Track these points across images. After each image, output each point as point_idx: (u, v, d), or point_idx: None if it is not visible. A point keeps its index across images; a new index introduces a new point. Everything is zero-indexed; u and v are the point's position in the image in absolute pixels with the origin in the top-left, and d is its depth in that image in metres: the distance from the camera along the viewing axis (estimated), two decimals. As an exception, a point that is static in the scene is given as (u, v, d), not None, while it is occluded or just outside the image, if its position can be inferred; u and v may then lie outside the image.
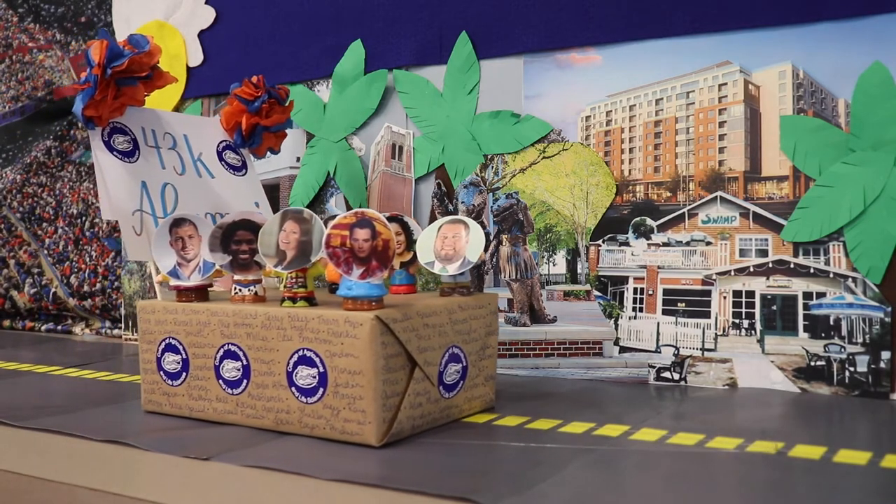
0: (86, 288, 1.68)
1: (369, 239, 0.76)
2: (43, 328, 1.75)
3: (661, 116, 1.08)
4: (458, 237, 0.86)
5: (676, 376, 1.06)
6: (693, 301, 1.06)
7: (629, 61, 1.09)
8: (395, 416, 0.78)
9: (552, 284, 1.14)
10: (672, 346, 1.06)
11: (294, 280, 0.83)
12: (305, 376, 0.80)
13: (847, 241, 0.97)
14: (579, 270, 1.13)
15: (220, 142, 1.13)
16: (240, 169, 1.14)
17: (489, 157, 1.19)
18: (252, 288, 0.88)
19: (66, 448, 0.79)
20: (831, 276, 0.98)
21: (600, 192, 1.12)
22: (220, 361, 0.86)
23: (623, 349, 1.10)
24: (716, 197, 1.05)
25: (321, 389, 0.79)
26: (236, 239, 0.87)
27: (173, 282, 0.92)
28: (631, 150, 1.10)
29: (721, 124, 1.05)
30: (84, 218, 1.70)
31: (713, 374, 1.04)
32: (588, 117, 1.13)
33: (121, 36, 1.58)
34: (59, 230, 1.73)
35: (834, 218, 0.97)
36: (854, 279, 0.97)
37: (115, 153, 0.98)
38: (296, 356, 0.80)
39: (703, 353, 1.05)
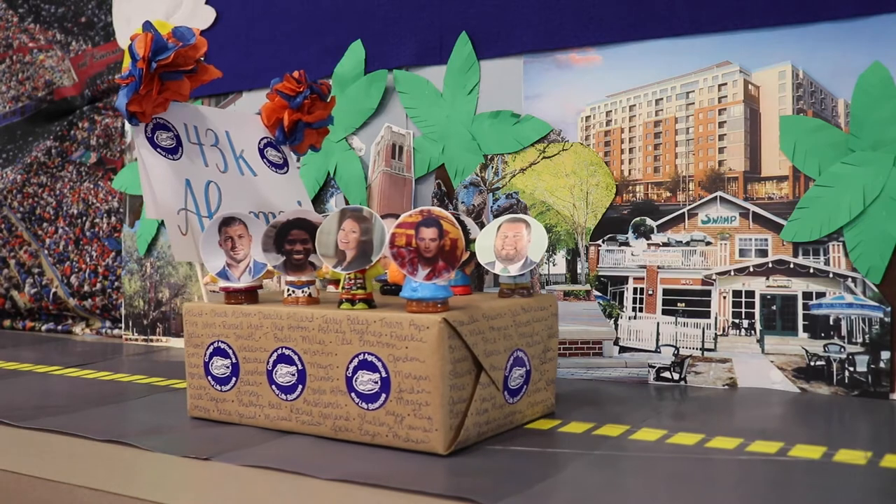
0: (86, 288, 1.68)
1: (436, 238, 0.73)
2: (43, 328, 1.75)
3: (661, 116, 1.08)
4: (520, 236, 0.83)
5: (676, 376, 1.06)
6: (693, 301, 1.06)
7: (629, 61, 1.09)
8: (462, 422, 0.74)
9: (552, 284, 1.14)
10: (672, 346, 1.06)
11: (352, 281, 0.80)
12: (366, 381, 0.76)
13: (847, 241, 0.97)
14: (579, 270, 1.13)
15: (262, 138, 1.09)
16: (281, 167, 1.10)
17: (489, 157, 1.19)
18: (306, 289, 0.84)
19: (66, 448, 0.79)
20: (831, 276, 0.98)
21: (600, 192, 1.12)
22: (274, 366, 0.83)
23: (623, 349, 1.10)
24: (716, 197, 1.05)
25: (383, 395, 0.75)
26: (290, 238, 0.84)
27: (222, 283, 0.88)
28: (631, 150, 1.10)
29: (721, 124, 1.05)
30: (84, 218, 1.70)
31: (713, 374, 1.04)
32: (588, 117, 1.13)
33: (121, 36, 1.58)
34: (60, 230, 1.73)
35: (833, 218, 0.97)
36: (854, 279, 0.97)
37: (158, 150, 0.94)
38: (356, 360, 0.77)
39: (702, 353, 1.05)
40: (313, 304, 0.84)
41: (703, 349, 1.05)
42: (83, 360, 1.32)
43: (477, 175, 1.20)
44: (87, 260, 1.69)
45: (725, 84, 1.04)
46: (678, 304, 1.07)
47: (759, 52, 1.02)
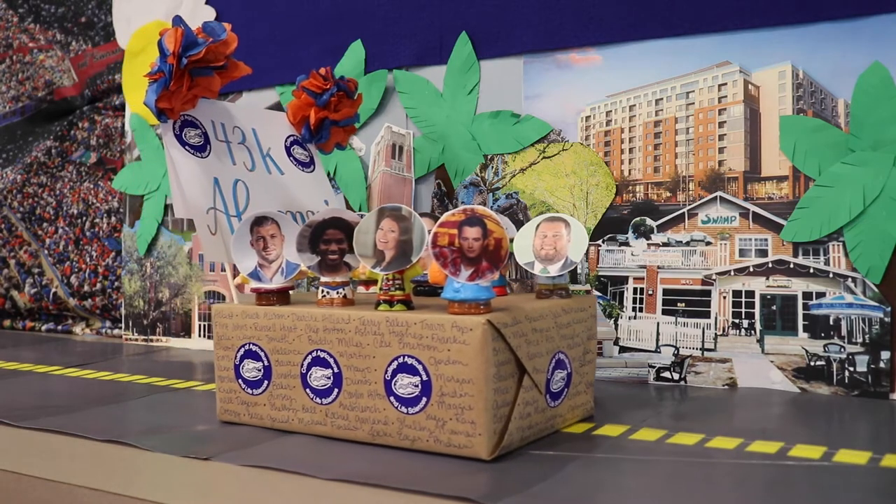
0: (86, 288, 1.68)
1: (480, 238, 0.71)
2: (43, 328, 1.75)
3: (661, 116, 1.08)
4: (559, 236, 0.82)
5: (676, 376, 1.06)
6: (693, 301, 1.06)
7: (629, 61, 1.09)
8: (506, 427, 0.73)
9: (552, 284, 1.14)
10: (672, 346, 1.06)
11: (390, 282, 0.78)
12: (406, 385, 0.74)
13: (847, 240, 0.97)
14: (579, 270, 1.13)
15: (288, 136, 1.07)
16: (308, 165, 1.07)
17: (489, 157, 1.19)
18: (341, 290, 0.82)
19: (67, 448, 0.79)
20: (831, 276, 0.98)
21: (600, 192, 1.12)
22: (308, 369, 0.81)
23: (623, 349, 1.10)
24: (715, 197, 1.05)
25: (424, 399, 0.73)
26: (325, 238, 0.81)
27: (253, 284, 0.86)
28: (631, 150, 1.10)
29: (721, 124, 1.05)
30: (84, 218, 1.70)
31: (713, 374, 1.04)
32: (588, 117, 1.13)
33: (121, 36, 1.58)
34: (60, 230, 1.73)
35: (833, 218, 0.97)
36: (854, 279, 0.97)
37: (187, 147, 0.92)
38: (395, 363, 0.75)
39: (702, 353, 1.05)
40: (349, 306, 0.82)
41: (703, 349, 1.05)
42: (83, 360, 1.32)
43: (477, 175, 1.20)
44: (87, 260, 1.69)
45: (725, 84, 1.04)
46: (678, 304, 1.07)
47: (759, 52, 1.02)
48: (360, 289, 1.01)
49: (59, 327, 1.74)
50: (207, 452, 0.75)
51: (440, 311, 0.75)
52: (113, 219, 1.67)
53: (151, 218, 1.52)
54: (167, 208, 1.50)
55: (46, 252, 1.74)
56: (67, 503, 0.67)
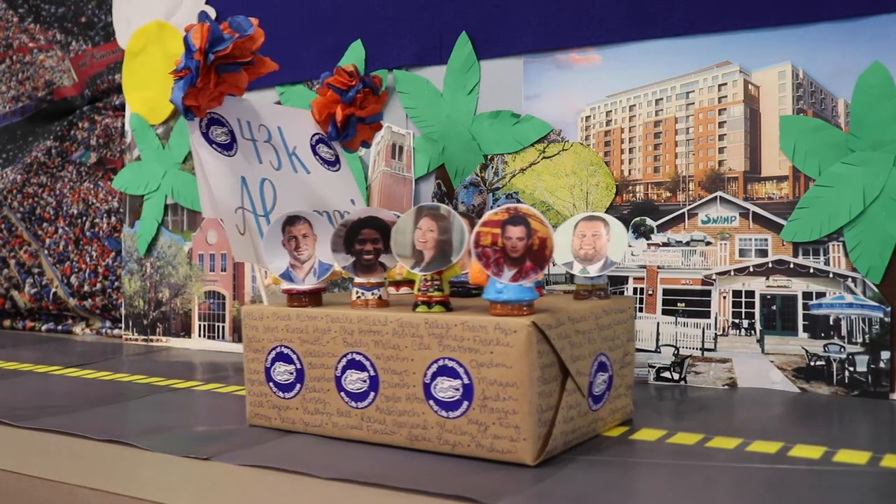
0: (86, 288, 1.68)
1: (524, 237, 0.69)
2: (43, 328, 1.75)
3: (661, 116, 1.08)
4: (598, 236, 0.81)
5: (676, 376, 1.06)
6: (693, 301, 1.06)
7: (629, 61, 1.09)
8: (550, 431, 0.71)
9: (552, 284, 1.14)
10: (672, 345, 1.06)
11: (429, 283, 0.76)
12: (446, 388, 0.72)
13: (847, 240, 0.97)
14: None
15: (314, 135, 1.05)
16: (333, 164, 1.05)
17: (489, 157, 1.19)
18: (376, 291, 0.80)
19: (67, 448, 0.79)
20: (831, 276, 0.98)
21: (600, 192, 1.12)
22: (343, 372, 0.79)
23: (623, 349, 1.10)
24: (715, 197, 1.05)
25: (465, 403, 0.71)
26: (360, 238, 0.79)
27: (285, 285, 0.83)
28: (631, 150, 1.10)
29: (721, 124, 1.05)
30: (84, 218, 1.70)
31: (713, 374, 1.04)
32: (588, 117, 1.13)
33: (121, 36, 1.58)
34: (60, 230, 1.73)
35: (833, 218, 0.97)
36: (854, 279, 0.97)
37: (214, 146, 0.90)
38: (434, 366, 0.73)
39: (702, 353, 1.05)
40: (384, 307, 0.80)
41: (703, 349, 1.05)
42: (83, 360, 1.32)
43: (477, 175, 1.20)
44: (87, 260, 1.69)
45: (725, 84, 1.04)
46: (678, 304, 1.07)
47: (759, 52, 1.02)
48: (390, 290, 1.00)
49: (59, 327, 1.74)
50: (207, 452, 0.75)
51: (480, 312, 0.73)
52: (113, 219, 1.67)
53: (151, 218, 1.52)
54: (167, 208, 1.50)
55: (46, 252, 1.75)
56: (67, 503, 0.67)
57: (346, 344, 0.78)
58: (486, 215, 0.71)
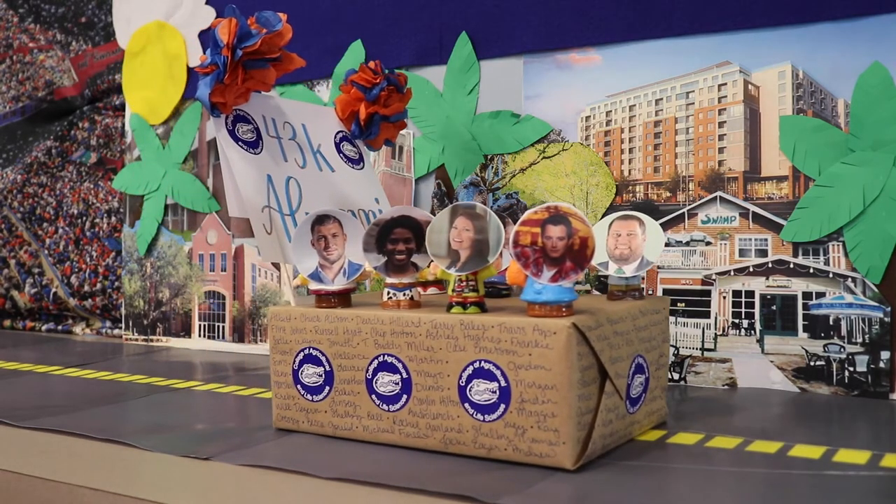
0: (86, 288, 1.68)
1: (564, 237, 0.68)
2: (43, 328, 1.75)
3: (661, 116, 1.08)
4: (634, 235, 0.80)
5: (676, 376, 1.06)
6: (693, 301, 1.06)
7: (629, 61, 1.09)
8: (590, 434, 0.69)
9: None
10: (672, 345, 1.06)
11: (464, 283, 0.74)
12: (483, 391, 0.71)
13: (846, 240, 0.97)
14: (579, 270, 1.13)
15: (337, 132, 1.03)
16: (357, 162, 1.03)
17: (489, 157, 1.19)
18: (408, 292, 0.78)
19: (67, 448, 0.79)
20: (831, 276, 0.98)
21: (600, 192, 1.12)
22: (374, 374, 0.77)
23: (623, 349, 1.10)
24: (715, 197, 1.05)
25: (502, 406, 0.70)
26: (392, 237, 0.78)
27: (314, 285, 0.82)
28: (631, 150, 1.10)
29: (721, 124, 1.05)
30: (84, 218, 1.70)
31: (713, 374, 1.04)
32: (588, 117, 1.13)
33: (121, 36, 1.58)
34: (60, 230, 1.73)
35: (833, 218, 0.97)
36: (853, 279, 0.97)
37: (240, 143, 0.88)
38: (470, 368, 0.71)
39: (702, 353, 1.05)
40: (417, 308, 0.78)
41: (702, 349, 1.05)
42: (83, 360, 1.32)
43: (477, 175, 1.20)
44: (88, 260, 1.69)
45: (725, 84, 1.04)
46: (678, 304, 1.07)
47: (759, 52, 1.02)
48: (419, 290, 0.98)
49: (60, 327, 1.74)
50: (207, 452, 0.75)
51: (517, 313, 0.72)
52: (113, 219, 1.67)
53: (151, 218, 1.52)
54: (167, 208, 1.50)
55: (46, 252, 1.75)
56: (67, 503, 0.67)
57: (378, 346, 0.77)
58: (526, 214, 0.70)
